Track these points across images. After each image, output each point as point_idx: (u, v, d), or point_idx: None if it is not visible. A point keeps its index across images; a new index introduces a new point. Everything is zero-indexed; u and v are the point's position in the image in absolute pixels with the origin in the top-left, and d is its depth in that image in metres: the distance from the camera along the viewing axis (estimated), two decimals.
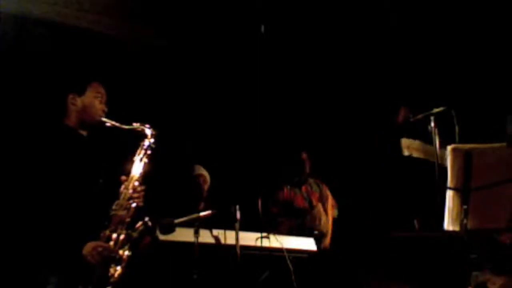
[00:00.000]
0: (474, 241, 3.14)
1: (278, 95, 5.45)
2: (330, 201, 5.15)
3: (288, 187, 5.10)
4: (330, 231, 5.05)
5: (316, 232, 4.78)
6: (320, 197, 5.09)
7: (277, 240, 3.91)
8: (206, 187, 4.68)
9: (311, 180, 5.19)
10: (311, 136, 5.67)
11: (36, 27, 4.57)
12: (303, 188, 5.11)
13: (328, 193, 5.17)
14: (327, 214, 5.06)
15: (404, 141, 4.63)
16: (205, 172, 4.72)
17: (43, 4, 4.64)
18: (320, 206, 5.04)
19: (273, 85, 5.10)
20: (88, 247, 2.70)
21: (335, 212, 5.16)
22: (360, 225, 5.29)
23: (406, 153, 4.64)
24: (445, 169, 2.93)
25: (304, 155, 5.15)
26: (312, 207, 5.02)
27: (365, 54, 5.59)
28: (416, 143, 4.68)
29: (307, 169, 5.15)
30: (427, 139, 3.60)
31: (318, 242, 4.64)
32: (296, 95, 5.80)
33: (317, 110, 5.91)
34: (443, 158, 3.57)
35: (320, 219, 4.98)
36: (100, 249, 2.70)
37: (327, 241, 4.99)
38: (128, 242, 2.82)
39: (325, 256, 4.74)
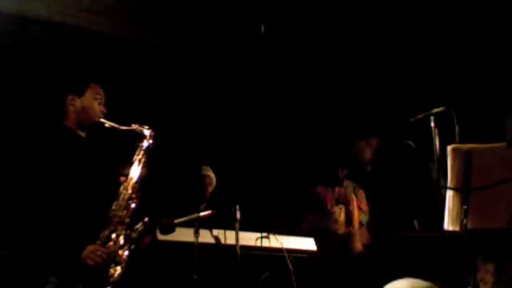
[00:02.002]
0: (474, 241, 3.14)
1: (279, 95, 5.45)
2: (364, 207, 5.06)
3: (322, 186, 5.04)
4: (357, 235, 4.97)
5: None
6: (347, 201, 5.00)
7: (277, 240, 3.91)
8: (210, 189, 4.67)
9: (348, 182, 5.11)
10: (311, 136, 5.67)
11: (36, 27, 4.57)
12: (336, 188, 5.04)
13: (364, 200, 5.08)
14: (352, 218, 4.98)
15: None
16: (211, 174, 4.71)
17: (43, 4, 4.64)
18: (343, 210, 4.97)
19: (273, 85, 5.10)
20: (88, 250, 2.71)
21: (363, 218, 5.07)
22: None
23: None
24: (445, 169, 2.93)
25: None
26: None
27: (365, 54, 5.59)
28: None
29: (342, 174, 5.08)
30: (427, 139, 3.59)
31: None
32: (296, 95, 5.79)
33: (318, 110, 5.91)
34: None
35: (339, 224, 4.93)
36: (99, 252, 2.71)
37: (357, 245, 4.91)
38: (128, 242, 2.83)
39: (330, 258, 4.73)
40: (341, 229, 4.92)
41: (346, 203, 5.00)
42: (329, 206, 4.95)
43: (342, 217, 4.97)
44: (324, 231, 4.62)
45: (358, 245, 4.92)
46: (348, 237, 4.87)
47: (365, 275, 4.55)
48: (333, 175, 5.04)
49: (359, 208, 5.05)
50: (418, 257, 3.90)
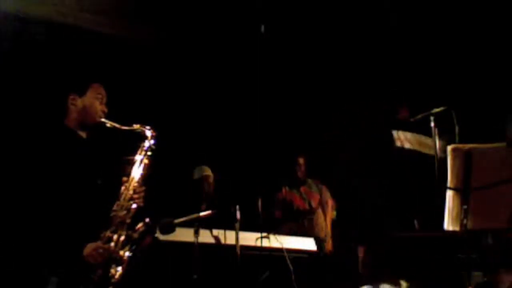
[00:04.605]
0: (477, 241, 3.15)
1: (278, 94, 5.46)
2: (330, 203, 5.13)
3: (287, 188, 5.09)
4: (330, 234, 5.04)
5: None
6: (320, 201, 5.06)
7: (277, 240, 3.91)
8: (210, 188, 4.67)
9: (310, 181, 5.18)
10: (311, 136, 5.67)
11: (36, 27, 4.57)
12: (302, 189, 5.10)
13: (328, 194, 5.16)
14: (326, 219, 5.04)
15: (396, 133, 4.62)
16: (211, 174, 4.71)
17: (43, 4, 4.64)
18: (320, 211, 5.02)
19: (273, 85, 5.10)
20: (89, 248, 2.70)
21: (334, 214, 5.14)
22: (360, 225, 5.29)
23: (398, 144, 4.63)
24: (445, 169, 2.93)
25: (300, 159, 5.13)
26: (312, 210, 5.01)
27: (365, 54, 5.59)
28: (408, 134, 4.66)
29: (301, 173, 5.13)
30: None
31: (319, 247, 4.68)
32: (296, 95, 5.80)
33: (318, 110, 5.91)
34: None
35: (318, 225, 4.97)
36: (100, 250, 2.71)
37: (329, 245, 4.98)
38: (129, 242, 2.82)
39: (326, 258, 4.75)
40: (322, 233, 4.96)
41: (323, 206, 5.05)
42: (301, 208, 4.99)
43: (321, 220, 5.01)
44: (301, 234, 4.63)
45: (330, 245, 4.97)
46: (322, 239, 4.93)
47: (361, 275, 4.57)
48: (294, 176, 5.11)
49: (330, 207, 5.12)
50: (418, 257, 3.90)
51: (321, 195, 5.11)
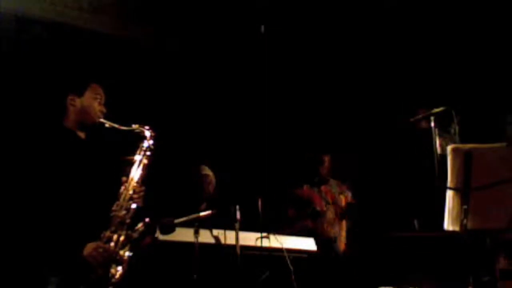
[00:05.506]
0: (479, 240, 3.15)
1: (277, 94, 5.45)
2: (345, 202, 5.09)
3: (308, 185, 5.07)
4: (344, 235, 5.01)
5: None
6: (335, 200, 5.03)
7: (277, 240, 3.91)
8: (210, 187, 4.67)
9: (332, 181, 5.15)
10: (313, 137, 5.66)
11: (36, 27, 4.57)
12: (323, 188, 5.08)
13: (348, 195, 5.11)
14: (339, 219, 5.00)
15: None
16: (210, 173, 4.71)
17: (43, 4, 4.64)
18: (332, 209, 4.99)
19: (272, 85, 5.10)
20: (89, 248, 2.71)
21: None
22: (360, 225, 5.28)
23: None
24: (445, 169, 2.93)
25: (326, 158, 5.11)
26: (328, 210, 4.99)
27: (366, 55, 5.59)
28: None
29: (324, 171, 5.10)
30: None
31: (332, 246, 4.69)
32: (294, 94, 5.79)
33: (318, 111, 5.91)
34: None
35: (329, 223, 4.95)
36: (100, 250, 2.71)
37: (342, 245, 4.97)
38: (129, 242, 2.83)
39: (335, 260, 4.75)
40: (333, 230, 4.95)
41: (335, 203, 5.03)
42: (318, 207, 4.97)
43: (331, 217, 4.99)
44: (312, 233, 4.62)
45: (342, 245, 4.96)
46: (334, 238, 4.92)
47: (363, 276, 4.56)
48: (317, 174, 5.09)
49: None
50: (418, 257, 3.90)
51: (339, 194, 5.07)
